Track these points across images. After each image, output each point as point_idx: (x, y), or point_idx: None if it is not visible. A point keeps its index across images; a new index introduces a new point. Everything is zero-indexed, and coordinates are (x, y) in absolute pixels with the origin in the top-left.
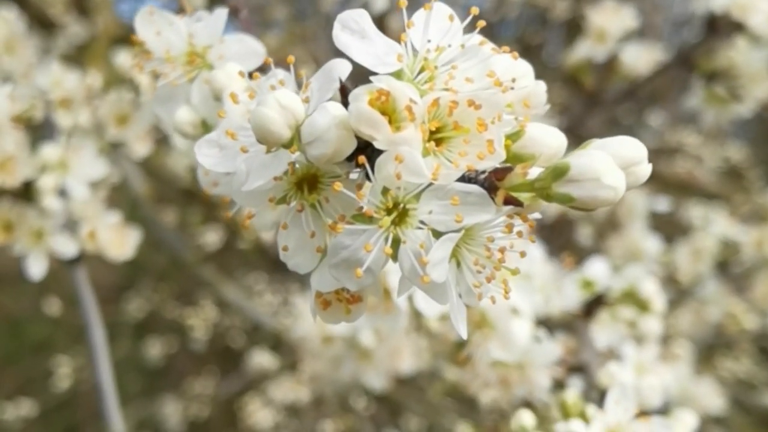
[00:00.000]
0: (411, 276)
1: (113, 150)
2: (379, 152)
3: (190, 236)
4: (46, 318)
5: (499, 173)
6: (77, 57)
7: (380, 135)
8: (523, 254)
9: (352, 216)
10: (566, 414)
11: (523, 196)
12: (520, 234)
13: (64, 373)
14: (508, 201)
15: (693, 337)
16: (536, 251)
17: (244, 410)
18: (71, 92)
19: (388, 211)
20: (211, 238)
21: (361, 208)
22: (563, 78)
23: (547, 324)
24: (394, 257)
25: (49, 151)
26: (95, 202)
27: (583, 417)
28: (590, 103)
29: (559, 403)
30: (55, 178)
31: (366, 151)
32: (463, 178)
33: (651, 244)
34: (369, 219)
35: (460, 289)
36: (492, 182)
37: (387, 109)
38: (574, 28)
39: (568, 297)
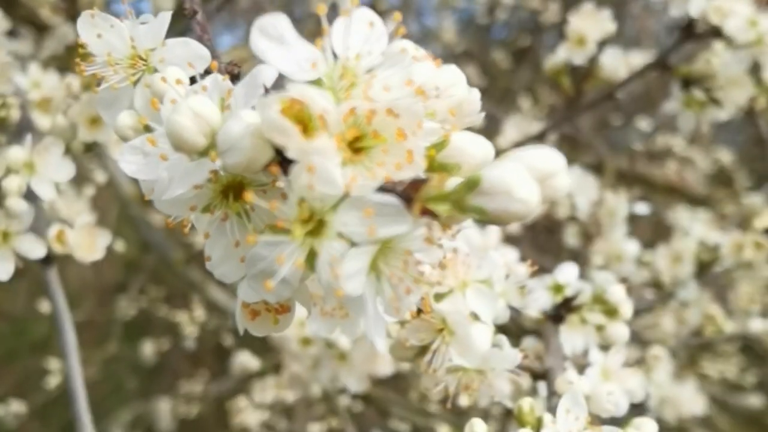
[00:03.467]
0: (327, 289)
1: (89, 150)
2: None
3: (179, 236)
4: (44, 316)
5: (416, 184)
6: (67, 58)
7: (292, 143)
8: (443, 267)
9: (268, 226)
10: (521, 422)
11: (441, 208)
12: (440, 246)
13: (56, 371)
14: (425, 213)
15: (676, 339)
16: (497, 257)
17: (233, 409)
18: (50, 93)
19: (306, 222)
20: (200, 237)
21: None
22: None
23: (519, 328)
24: (311, 269)
25: (15, 153)
26: (80, 202)
27: (539, 425)
28: (569, 107)
29: (515, 411)
30: (20, 179)
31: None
32: (382, 190)
33: (631, 247)
34: (285, 230)
35: (381, 302)
36: (408, 194)
37: (303, 117)
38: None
39: (538, 301)
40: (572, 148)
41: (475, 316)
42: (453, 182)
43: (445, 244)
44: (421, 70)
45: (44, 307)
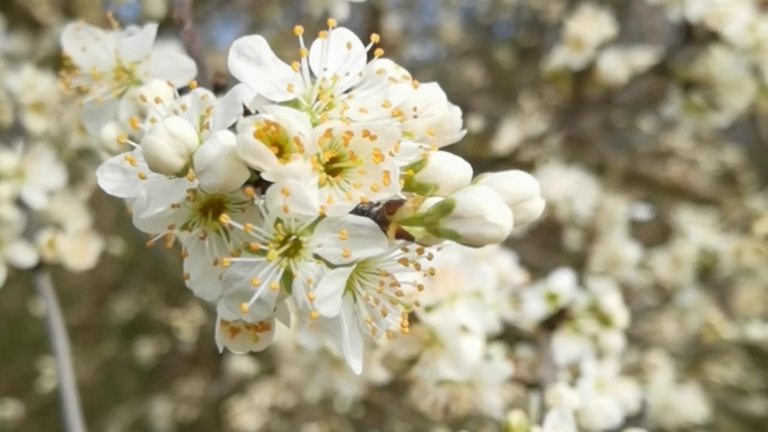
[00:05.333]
0: (303, 310)
1: (82, 156)
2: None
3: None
4: (40, 316)
5: (391, 207)
6: (62, 58)
7: (267, 166)
8: (420, 288)
9: (244, 247)
10: None
11: (416, 230)
12: (417, 267)
13: (50, 374)
14: (400, 235)
15: (677, 344)
16: (487, 268)
17: (230, 413)
18: (44, 96)
19: (282, 243)
20: None
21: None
22: None
23: (515, 336)
24: (288, 290)
25: (5, 160)
26: (75, 205)
27: None
28: (569, 112)
29: (503, 426)
30: (12, 187)
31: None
32: (357, 211)
33: (630, 251)
34: (262, 251)
35: (358, 322)
36: (384, 215)
37: (280, 138)
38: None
39: (531, 311)
40: (575, 148)
41: (465, 329)
42: (428, 204)
43: (436, 256)
44: (398, 90)
45: (39, 307)
